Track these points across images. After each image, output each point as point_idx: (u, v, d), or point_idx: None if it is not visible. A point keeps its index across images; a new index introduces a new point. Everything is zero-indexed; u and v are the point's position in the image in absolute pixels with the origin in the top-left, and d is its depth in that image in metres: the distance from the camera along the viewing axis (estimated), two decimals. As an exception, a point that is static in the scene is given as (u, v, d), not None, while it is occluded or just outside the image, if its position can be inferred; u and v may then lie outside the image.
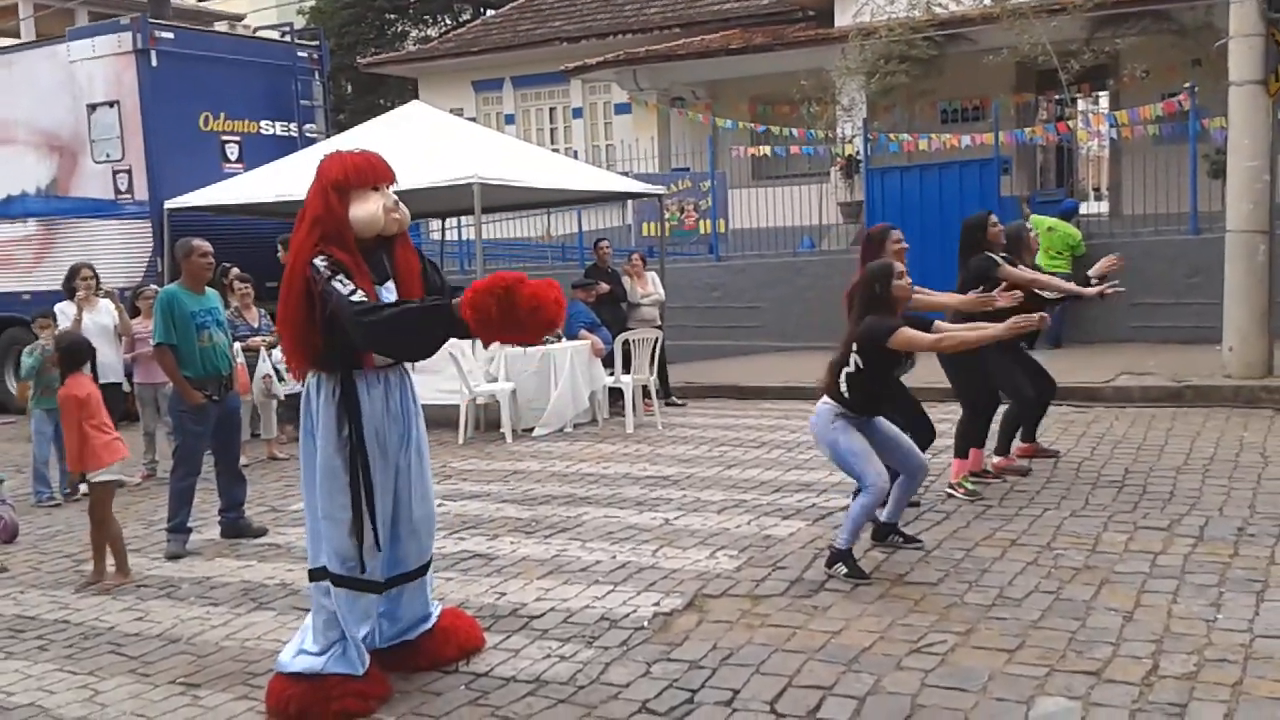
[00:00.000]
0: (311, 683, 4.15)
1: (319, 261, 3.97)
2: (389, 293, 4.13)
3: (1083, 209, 15.54)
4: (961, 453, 6.98)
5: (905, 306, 5.59)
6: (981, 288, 6.64)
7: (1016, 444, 7.61)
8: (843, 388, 5.42)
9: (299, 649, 4.29)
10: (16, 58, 13.62)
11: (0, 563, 6.42)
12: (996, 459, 7.37)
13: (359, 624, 4.25)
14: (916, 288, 6.48)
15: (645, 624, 4.88)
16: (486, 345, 3.79)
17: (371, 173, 4.11)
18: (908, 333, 5.31)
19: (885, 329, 5.30)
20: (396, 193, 4.32)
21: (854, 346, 5.40)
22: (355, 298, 3.90)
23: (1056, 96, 15.97)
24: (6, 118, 13.10)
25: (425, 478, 4.41)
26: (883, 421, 5.62)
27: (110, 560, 5.95)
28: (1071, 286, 7.55)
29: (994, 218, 7.12)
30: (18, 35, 26.92)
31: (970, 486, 6.83)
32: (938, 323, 5.83)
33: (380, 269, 4.16)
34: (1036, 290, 7.11)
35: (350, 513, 4.13)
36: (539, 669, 4.46)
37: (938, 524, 6.24)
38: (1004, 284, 6.67)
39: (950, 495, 6.81)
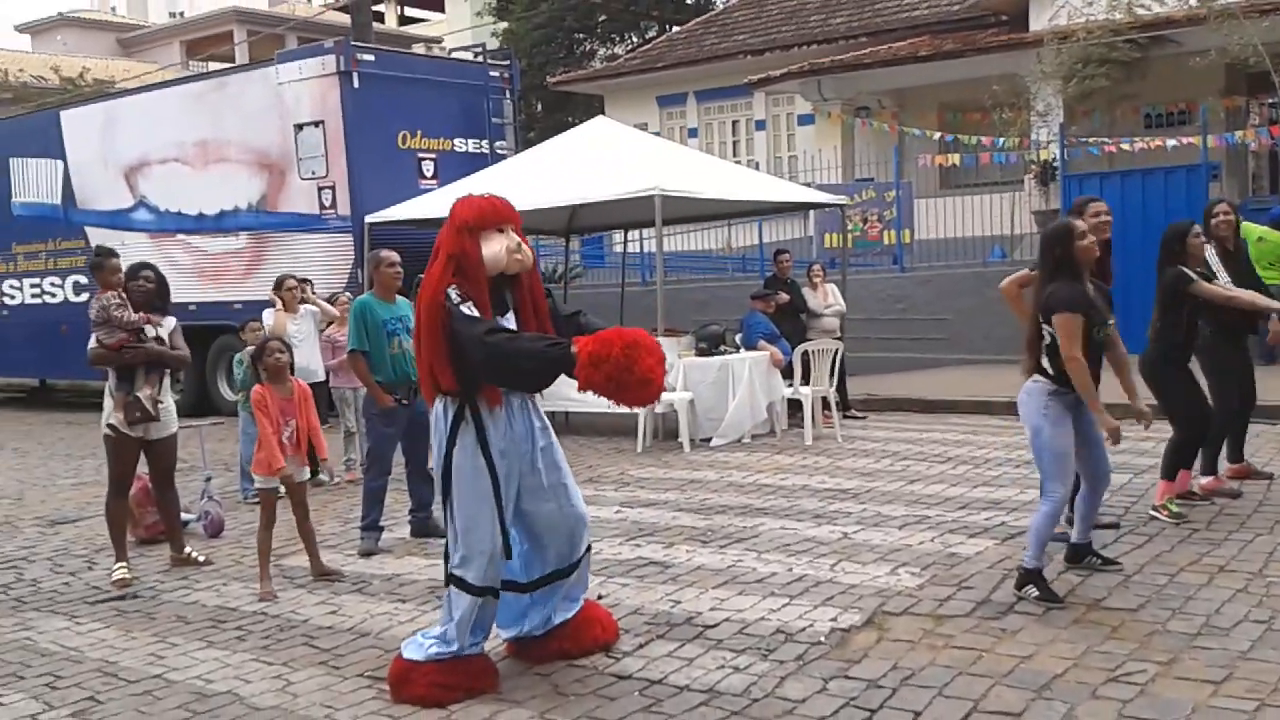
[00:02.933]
0: (415, 665, 4.43)
1: (452, 291, 4.26)
2: (509, 323, 4.41)
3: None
4: (1169, 474, 6.59)
5: (1090, 270, 5.26)
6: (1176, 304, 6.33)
7: (1226, 465, 7.15)
8: (1044, 363, 5.18)
9: (420, 635, 4.59)
10: (229, 80, 14.49)
11: (206, 556, 6.79)
12: (1204, 480, 6.94)
13: (474, 625, 4.45)
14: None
15: (822, 639, 4.78)
16: (581, 390, 3.95)
17: (495, 216, 4.39)
18: (1069, 324, 4.99)
19: (1060, 304, 5.04)
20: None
21: (1040, 319, 5.16)
22: (485, 321, 4.21)
23: (1269, 100, 15.01)
24: (220, 138, 13.93)
25: (562, 486, 4.60)
26: (1092, 417, 5.34)
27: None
28: (1272, 303, 6.96)
29: (1198, 228, 6.70)
30: (232, 60, 28.66)
31: (1175, 509, 6.44)
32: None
33: (501, 303, 4.44)
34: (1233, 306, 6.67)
35: (477, 523, 4.38)
36: (713, 679, 4.41)
37: (1139, 547, 5.91)
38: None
39: (1154, 517, 6.44)
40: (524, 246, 4.42)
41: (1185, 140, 13.96)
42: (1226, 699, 3.94)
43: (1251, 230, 12.23)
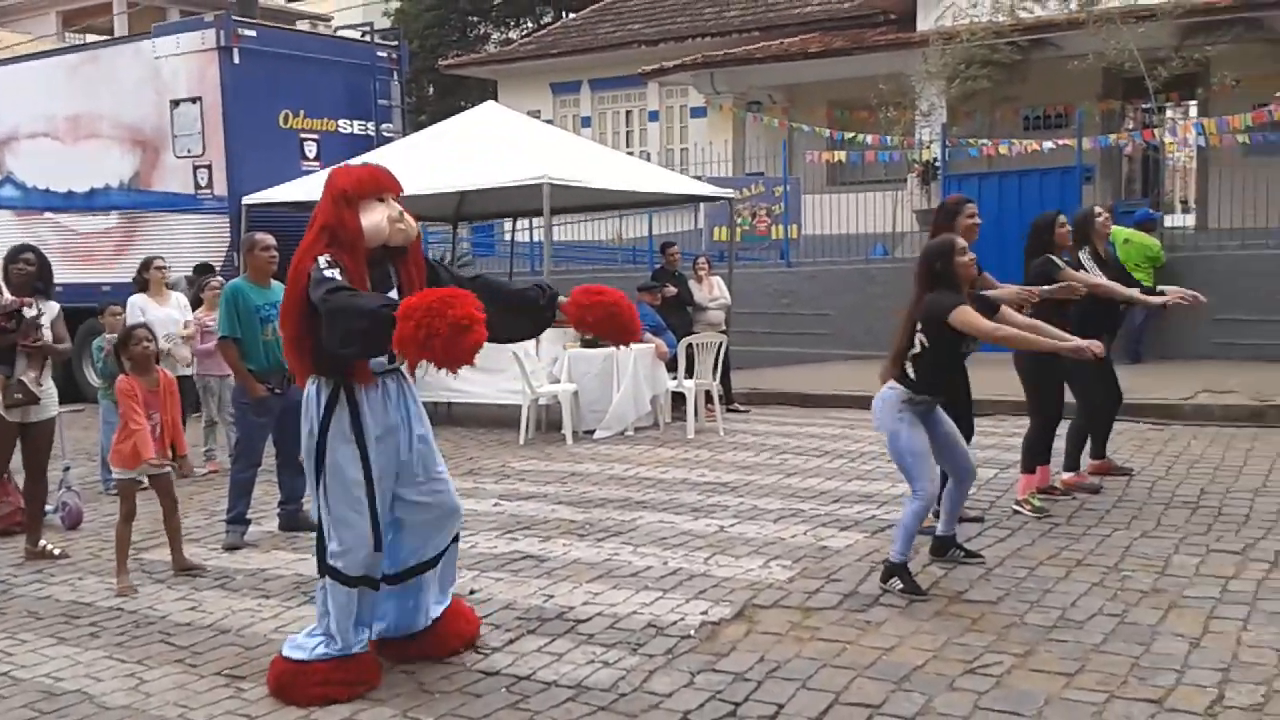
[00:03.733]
0: (301, 666, 4.29)
1: (321, 259, 4.09)
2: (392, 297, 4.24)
3: (1169, 221, 15.14)
4: (1029, 468, 6.78)
5: (969, 284, 5.39)
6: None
7: (1088, 461, 7.38)
8: (909, 369, 5.27)
9: (302, 635, 4.45)
10: (103, 53, 13.97)
11: (62, 549, 6.52)
12: (1066, 475, 7.15)
13: (356, 618, 4.34)
14: (985, 275, 6.32)
15: (692, 632, 4.79)
16: (395, 349, 3.79)
17: (374, 184, 4.25)
18: (966, 313, 5.11)
19: (945, 306, 5.14)
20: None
21: (916, 326, 5.26)
22: (334, 280, 4.01)
23: (1144, 105, 15.56)
24: (92, 112, 13.41)
25: (433, 475, 4.48)
26: (945, 418, 5.47)
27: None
28: (1134, 294, 7.19)
29: (1063, 218, 6.90)
30: (111, 32, 27.63)
31: (1037, 503, 6.63)
32: (1004, 309, 5.55)
33: (385, 277, 4.28)
34: (1103, 296, 6.88)
35: (352, 512, 4.26)
36: (581, 674, 4.39)
37: (1001, 540, 6.06)
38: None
39: (1016, 512, 6.62)
40: (406, 216, 4.26)
41: (1061, 143, 14.36)
42: (1078, 690, 4.05)
43: (1119, 233, 12.64)
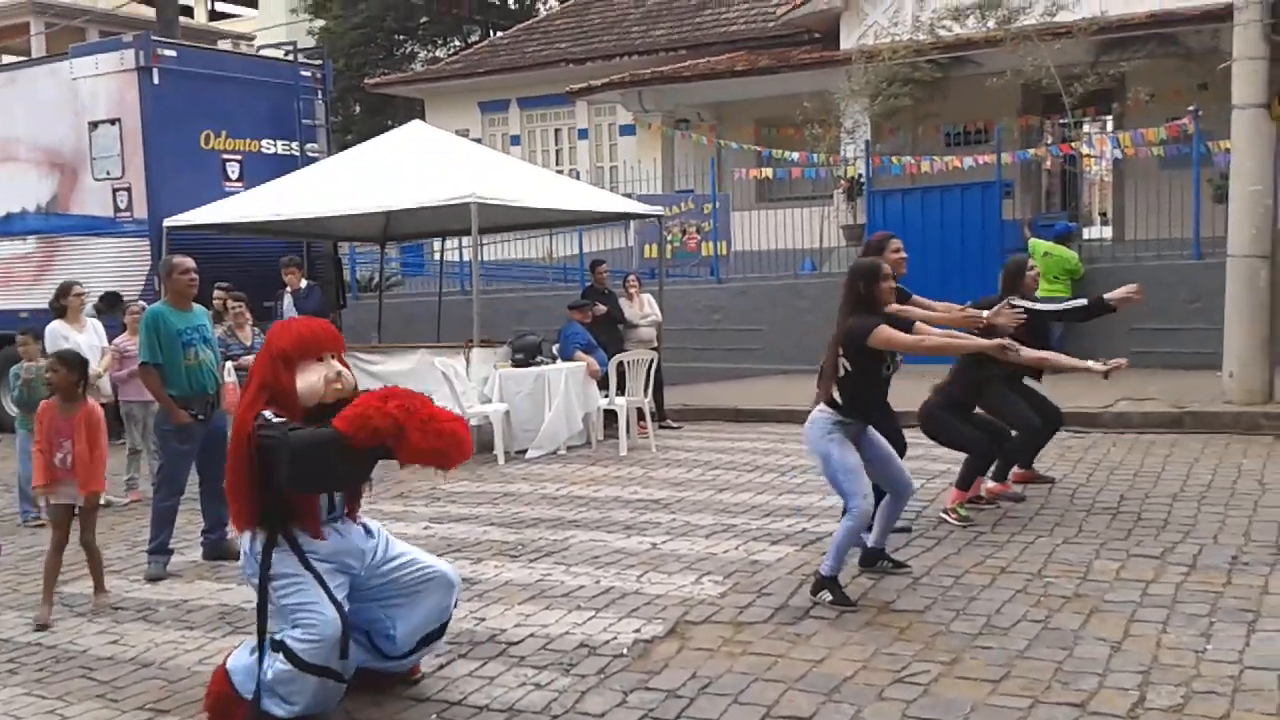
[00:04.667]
0: (242, 705, 4.16)
1: (266, 413, 4.10)
2: None
3: (1086, 233, 15.48)
4: (964, 484, 6.88)
5: (887, 308, 5.49)
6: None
7: (1013, 470, 7.51)
8: (835, 394, 5.35)
9: (251, 664, 4.21)
10: (20, 75, 13.67)
11: (-22, 583, 6.35)
12: (991, 484, 7.27)
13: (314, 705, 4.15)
14: (915, 297, 6.46)
15: (625, 651, 4.80)
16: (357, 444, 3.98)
17: (315, 344, 4.24)
18: (886, 331, 5.23)
19: (865, 328, 5.24)
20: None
21: (839, 350, 5.33)
22: (285, 423, 4.08)
23: (1061, 120, 15.91)
24: (8, 135, 13.11)
25: (414, 570, 4.42)
26: (878, 437, 5.56)
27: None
28: (1075, 363, 7.26)
29: (1032, 262, 7.10)
30: (28, 53, 27.06)
31: (963, 513, 6.74)
32: (919, 324, 5.71)
33: None
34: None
35: (312, 604, 4.09)
36: (513, 698, 4.37)
37: (928, 550, 6.15)
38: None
39: (943, 520, 6.72)
40: (345, 374, 4.24)
41: (982, 159, 14.64)
42: (1004, 697, 4.12)
43: (1039, 246, 12.97)
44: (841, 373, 5.34)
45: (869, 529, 5.71)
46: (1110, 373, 6.91)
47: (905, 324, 5.58)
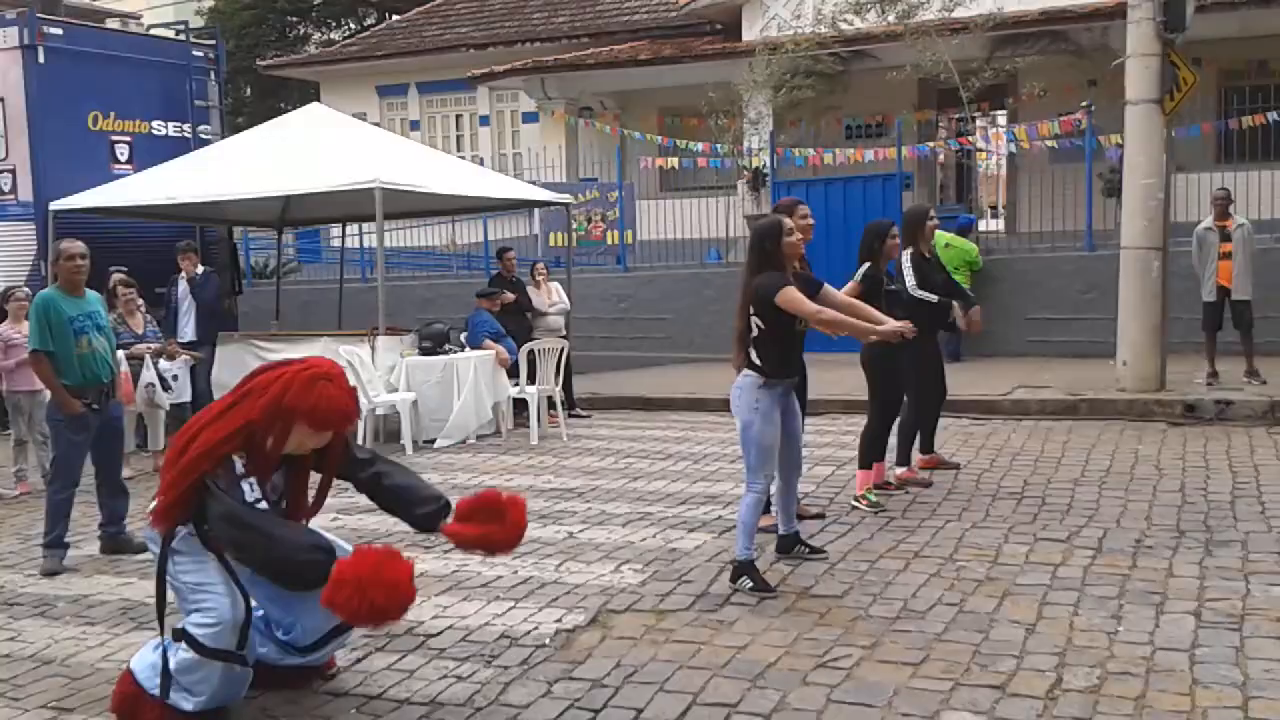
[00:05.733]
0: (149, 701, 4.03)
1: (237, 462, 3.94)
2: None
3: (980, 226, 15.84)
4: (865, 464, 6.98)
5: (794, 263, 5.51)
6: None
7: (918, 456, 7.65)
8: (753, 355, 5.35)
9: (156, 660, 4.06)
10: (-107, 51, 12.95)
11: None
12: (899, 470, 7.39)
13: (221, 696, 4.02)
14: (827, 287, 6.47)
15: (547, 641, 4.74)
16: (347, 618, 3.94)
17: (333, 424, 4.00)
18: (791, 293, 5.24)
19: (773, 285, 5.25)
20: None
21: (750, 310, 5.34)
22: (252, 495, 3.97)
23: (957, 114, 16.26)
24: (-118, 113, 12.43)
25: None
26: (797, 412, 5.61)
27: None
28: (856, 325, 7.38)
29: (895, 229, 7.13)
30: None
31: (873, 499, 6.83)
32: (826, 288, 5.67)
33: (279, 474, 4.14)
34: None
35: (210, 587, 3.97)
36: (435, 690, 4.29)
37: (842, 536, 6.22)
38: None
39: (854, 508, 6.80)
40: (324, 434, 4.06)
41: (882, 153, 14.87)
42: (925, 680, 4.18)
43: (940, 237, 13.14)
44: (755, 332, 5.34)
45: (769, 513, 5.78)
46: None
47: (812, 285, 5.60)
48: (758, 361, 5.35)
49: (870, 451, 7.00)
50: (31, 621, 5.34)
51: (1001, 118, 18.07)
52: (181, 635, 3.95)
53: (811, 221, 6.49)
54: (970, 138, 15.34)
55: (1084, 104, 13.68)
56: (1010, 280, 13.30)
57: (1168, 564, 5.41)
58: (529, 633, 4.85)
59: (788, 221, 5.51)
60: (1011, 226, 17.17)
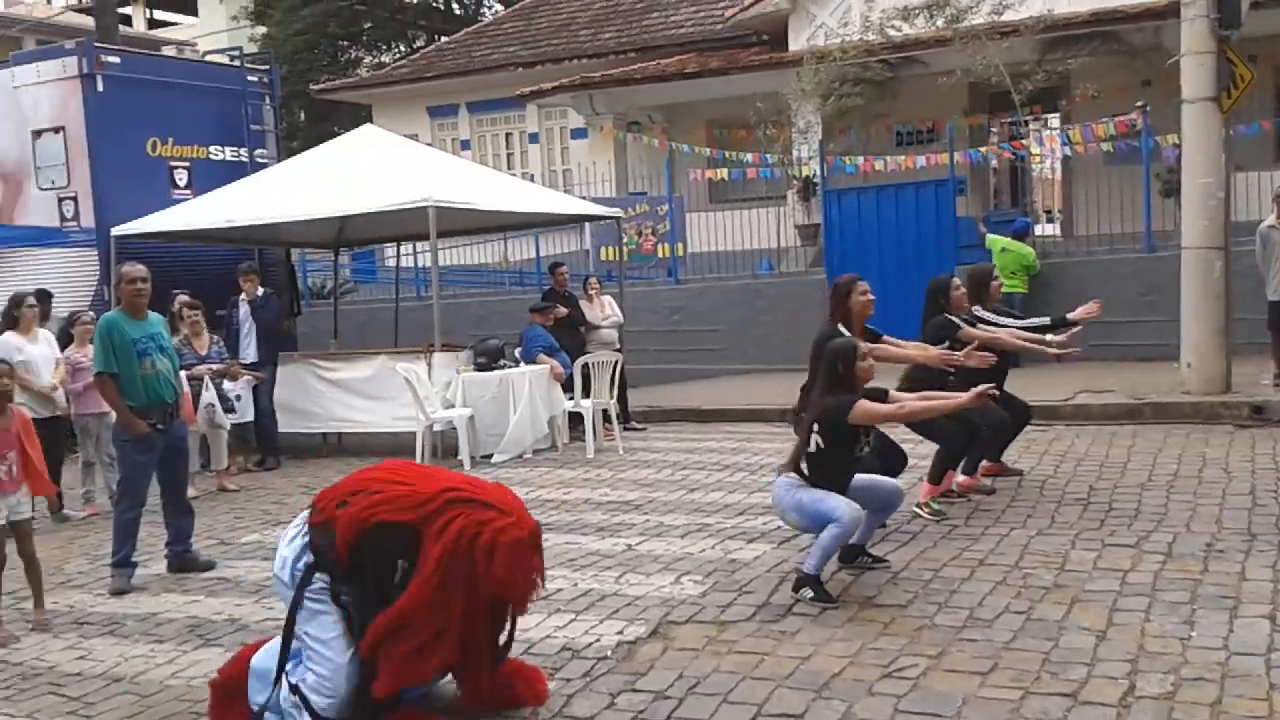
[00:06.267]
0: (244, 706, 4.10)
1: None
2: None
3: (1036, 230, 15.64)
4: (935, 479, 6.88)
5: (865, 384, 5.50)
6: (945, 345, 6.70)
7: (983, 463, 7.55)
8: (803, 467, 5.35)
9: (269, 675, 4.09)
10: (-42, 83, 13.31)
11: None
12: (962, 478, 7.29)
13: None
14: (886, 338, 6.55)
15: (609, 653, 4.73)
16: None
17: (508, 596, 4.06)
18: (865, 405, 5.26)
19: (844, 406, 5.24)
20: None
21: (814, 427, 5.32)
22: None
23: (1009, 118, 16.09)
24: (-51, 145, 12.77)
25: None
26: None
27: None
28: (1028, 345, 7.46)
29: (957, 280, 7.09)
30: (-38, 63, 26.43)
31: (936, 507, 6.74)
32: (892, 393, 5.72)
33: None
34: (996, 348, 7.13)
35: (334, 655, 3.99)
36: (499, 702, 4.29)
37: (904, 545, 6.14)
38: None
39: (916, 515, 6.72)
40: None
41: (934, 159, 14.75)
42: (993, 689, 4.11)
43: (996, 242, 13.10)
44: (813, 448, 5.33)
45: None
46: (1063, 355, 7.06)
47: (880, 394, 5.58)
48: (806, 474, 5.35)
49: (943, 468, 6.92)
50: (101, 640, 5.42)
51: (1054, 120, 17.85)
52: (296, 691, 3.97)
53: (871, 298, 6.58)
54: (1023, 141, 15.16)
55: (1139, 104, 13.48)
56: (1069, 284, 13.09)
57: (1240, 568, 5.29)
58: (590, 645, 4.85)
59: (863, 346, 5.52)
60: (1068, 230, 16.93)
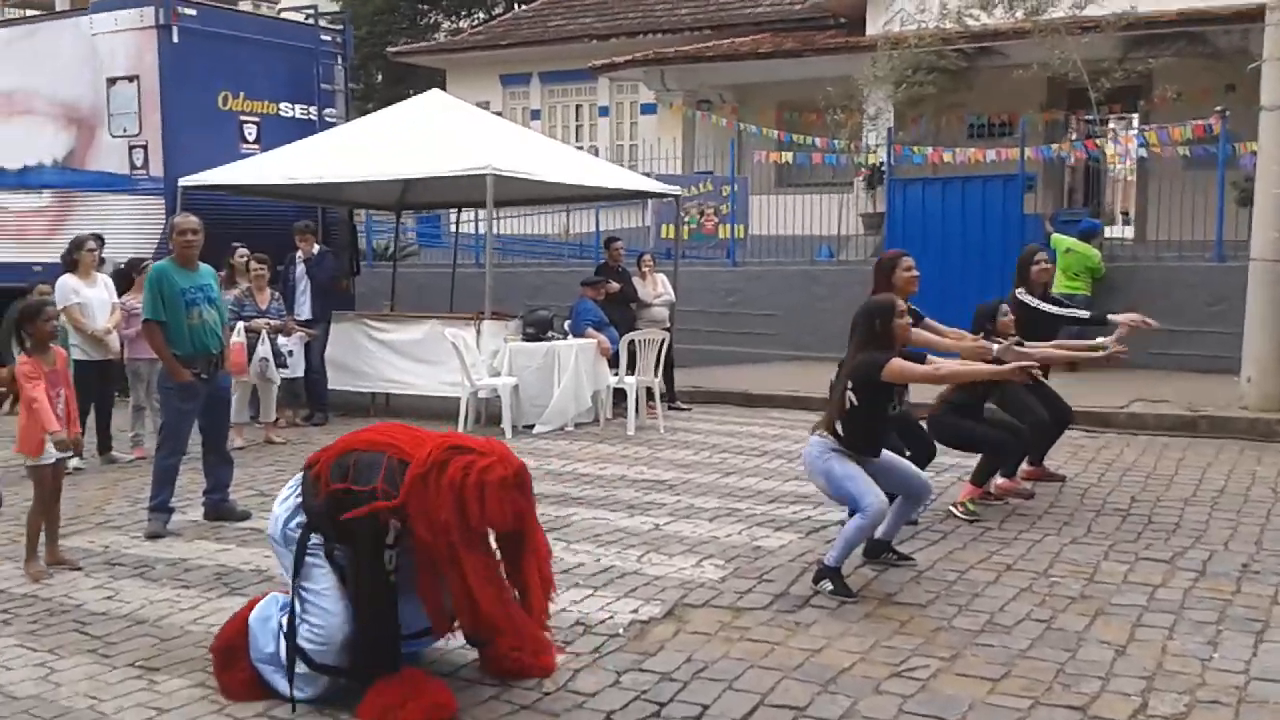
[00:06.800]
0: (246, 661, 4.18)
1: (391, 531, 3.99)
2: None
3: (1108, 232, 15.31)
4: (980, 479, 6.78)
5: (902, 345, 5.44)
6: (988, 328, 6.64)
7: (1022, 467, 7.43)
8: (838, 426, 5.29)
9: (272, 630, 4.16)
10: (39, 28, 13.57)
11: (-23, 534, 6.33)
12: (1001, 480, 7.18)
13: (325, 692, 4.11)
14: (928, 320, 6.44)
15: (620, 631, 4.74)
16: None
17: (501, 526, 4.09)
18: (899, 363, 5.19)
19: (878, 361, 5.18)
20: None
21: (848, 383, 5.26)
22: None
23: (1087, 116, 15.73)
24: (27, 88, 13.03)
25: None
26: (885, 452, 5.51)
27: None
28: (1078, 355, 7.49)
29: (1005, 307, 6.91)
30: (51, 7, 26.97)
31: (971, 508, 6.65)
32: (928, 321, 5.68)
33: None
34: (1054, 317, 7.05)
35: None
36: (506, 672, 4.31)
37: (934, 544, 6.07)
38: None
39: (950, 515, 6.64)
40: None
41: (1005, 153, 14.47)
42: (1003, 696, 4.05)
43: (1061, 241, 12.83)
44: (848, 406, 5.27)
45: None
46: (1113, 355, 6.93)
47: (918, 357, 5.50)
48: (841, 433, 5.29)
49: (989, 471, 6.82)
50: (130, 582, 5.54)
51: (1133, 120, 17.42)
52: (290, 639, 4.03)
53: (916, 274, 6.49)
54: (1098, 140, 14.81)
55: (1217, 109, 13.09)
56: (1134, 289, 12.80)
57: (1273, 590, 5.15)
58: (603, 621, 4.86)
59: (901, 303, 5.44)
60: (1140, 233, 16.54)
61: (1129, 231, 17.62)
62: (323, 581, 4.06)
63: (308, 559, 4.07)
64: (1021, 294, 7.29)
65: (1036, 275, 7.42)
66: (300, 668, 4.02)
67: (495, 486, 3.91)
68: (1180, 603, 5.01)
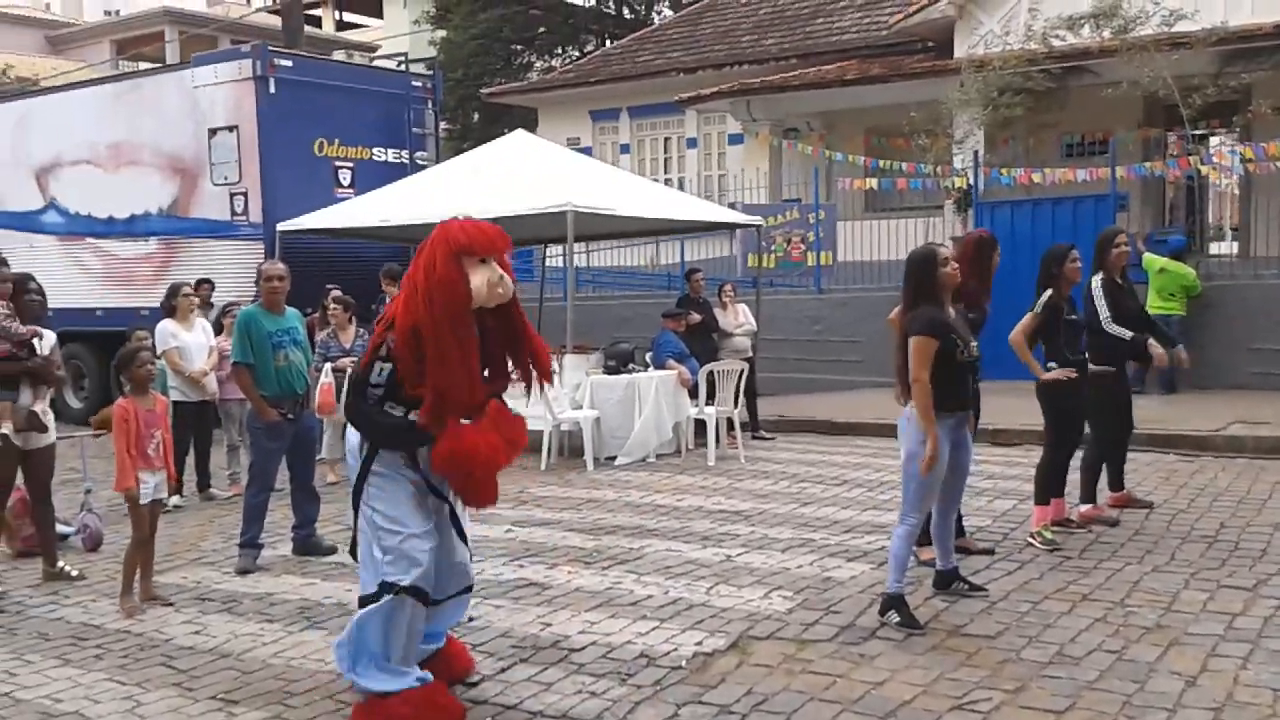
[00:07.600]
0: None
1: (377, 365, 4.22)
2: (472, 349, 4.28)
3: (1213, 249, 14.88)
4: (1042, 500, 6.70)
5: (951, 294, 5.39)
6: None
7: (1107, 494, 7.28)
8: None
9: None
10: (144, 83, 14.25)
11: (79, 570, 6.64)
12: (1083, 508, 7.07)
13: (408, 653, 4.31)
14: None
15: (683, 664, 4.78)
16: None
17: (487, 245, 4.17)
18: (920, 344, 5.15)
19: (913, 329, 5.18)
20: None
21: (908, 348, 5.24)
22: (378, 390, 4.24)
23: (1183, 132, 15.35)
24: (133, 140, 13.68)
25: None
26: (970, 448, 5.51)
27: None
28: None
29: (1075, 253, 6.79)
30: (163, 60, 28.22)
31: (1050, 536, 6.55)
32: None
33: (470, 334, 4.28)
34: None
35: (406, 521, 4.26)
36: (568, 704, 4.40)
37: (1009, 574, 6.00)
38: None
39: (1029, 544, 6.54)
40: (506, 278, 4.19)
41: (1096, 173, 14.20)
42: (1064, 729, 4.00)
43: (1154, 262, 12.53)
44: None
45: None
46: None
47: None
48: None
49: (1047, 487, 6.72)
50: (217, 616, 5.76)
51: (1230, 136, 16.93)
52: (385, 588, 4.19)
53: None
54: (1192, 158, 14.43)
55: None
56: (1234, 307, 12.45)
57: (1359, 621, 4.98)
58: (667, 654, 4.90)
59: (943, 251, 5.40)
60: (1244, 250, 16.04)
61: (1233, 248, 17.09)
62: (399, 506, 4.26)
63: (376, 478, 4.28)
64: (1050, 296, 6.95)
65: (1116, 259, 7.20)
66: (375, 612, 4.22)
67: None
68: (1259, 631, 4.88)
